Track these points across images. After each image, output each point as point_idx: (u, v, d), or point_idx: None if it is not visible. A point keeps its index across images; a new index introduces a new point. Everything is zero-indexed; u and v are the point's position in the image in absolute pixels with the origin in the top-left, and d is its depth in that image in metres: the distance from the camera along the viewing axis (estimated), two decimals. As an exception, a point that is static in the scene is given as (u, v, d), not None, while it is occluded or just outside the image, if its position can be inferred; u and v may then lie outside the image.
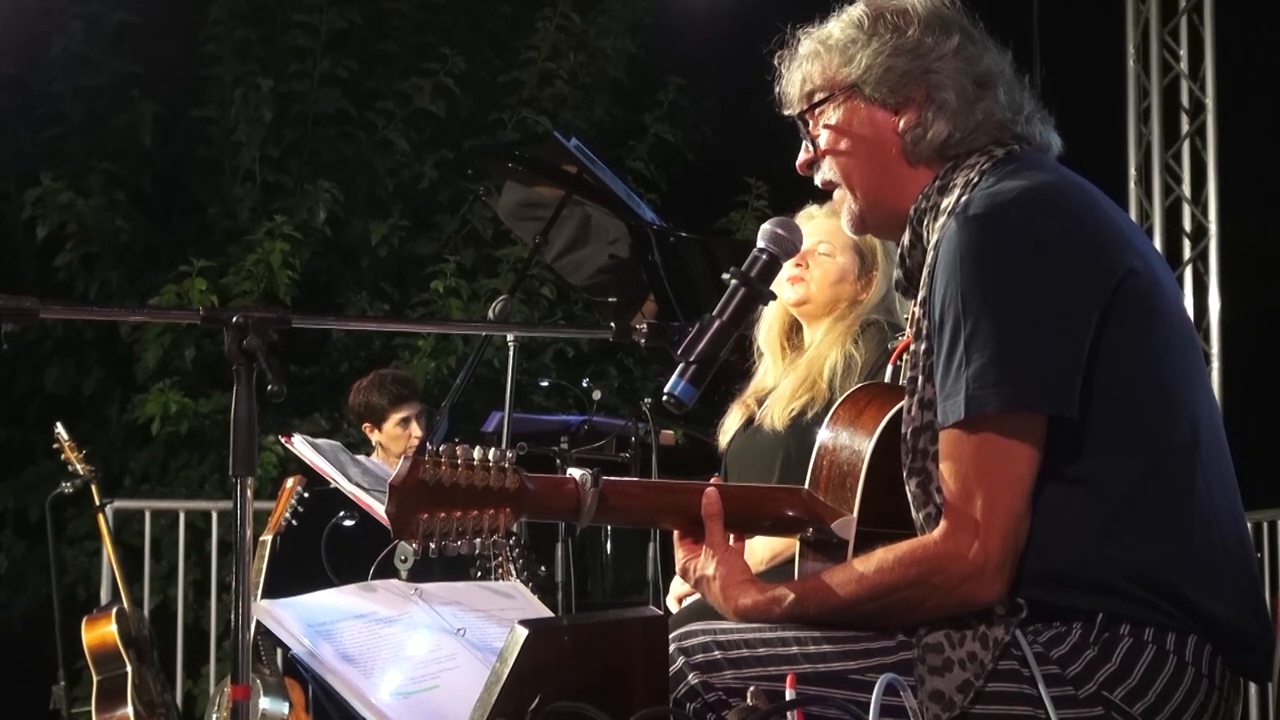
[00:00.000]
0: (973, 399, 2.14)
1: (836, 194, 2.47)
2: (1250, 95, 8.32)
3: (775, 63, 2.49)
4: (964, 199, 2.26)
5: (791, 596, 2.28)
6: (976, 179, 2.30)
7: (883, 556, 2.21)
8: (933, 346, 2.23)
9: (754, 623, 2.30)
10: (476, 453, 2.14)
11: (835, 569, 2.28)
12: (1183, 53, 7.83)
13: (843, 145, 2.41)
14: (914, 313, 2.33)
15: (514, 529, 2.42)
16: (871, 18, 2.39)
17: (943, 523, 2.18)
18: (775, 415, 3.71)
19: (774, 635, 2.27)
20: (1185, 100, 7.85)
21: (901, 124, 2.36)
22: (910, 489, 2.25)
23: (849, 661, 2.22)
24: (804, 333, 3.86)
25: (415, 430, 6.08)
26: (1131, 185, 7.87)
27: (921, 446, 2.24)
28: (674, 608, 3.79)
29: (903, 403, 2.31)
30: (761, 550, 3.67)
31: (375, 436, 6.18)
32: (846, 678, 2.21)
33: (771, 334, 3.87)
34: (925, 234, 2.34)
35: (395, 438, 6.12)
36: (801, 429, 3.64)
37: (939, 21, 2.38)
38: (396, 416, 6.10)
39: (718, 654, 2.25)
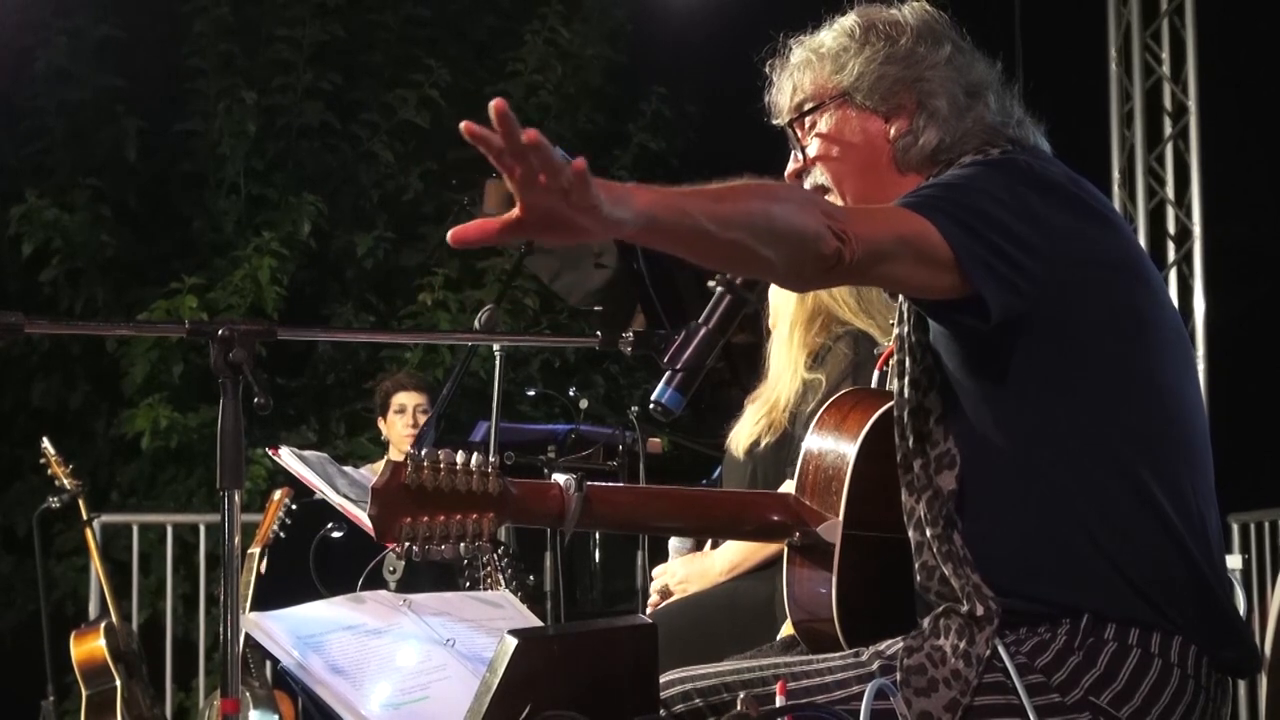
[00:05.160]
0: (920, 204, 2.09)
1: None
2: (1232, 97, 8.34)
3: (766, 71, 2.47)
4: None
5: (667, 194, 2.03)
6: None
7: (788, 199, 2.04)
8: None
9: (627, 209, 2.03)
10: (459, 457, 2.15)
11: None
12: (1165, 55, 7.85)
13: (833, 153, 2.38)
14: (901, 307, 2.33)
15: (501, 538, 2.42)
16: (863, 27, 2.37)
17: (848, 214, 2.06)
18: (738, 442, 3.71)
19: (754, 675, 2.26)
20: (1168, 103, 7.87)
21: (893, 131, 2.34)
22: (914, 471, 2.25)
23: (832, 693, 2.22)
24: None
25: (410, 421, 6.14)
26: (1115, 188, 7.89)
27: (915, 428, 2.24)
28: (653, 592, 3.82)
29: (887, 405, 2.31)
30: (721, 562, 3.68)
31: (384, 430, 6.28)
32: (830, 710, 2.20)
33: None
34: None
35: (391, 425, 6.23)
36: (758, 455, 3.65)
37: (930, 33, 2.37)
38: (393, 405, 6.23)
39: (699, 702, 2.25)
